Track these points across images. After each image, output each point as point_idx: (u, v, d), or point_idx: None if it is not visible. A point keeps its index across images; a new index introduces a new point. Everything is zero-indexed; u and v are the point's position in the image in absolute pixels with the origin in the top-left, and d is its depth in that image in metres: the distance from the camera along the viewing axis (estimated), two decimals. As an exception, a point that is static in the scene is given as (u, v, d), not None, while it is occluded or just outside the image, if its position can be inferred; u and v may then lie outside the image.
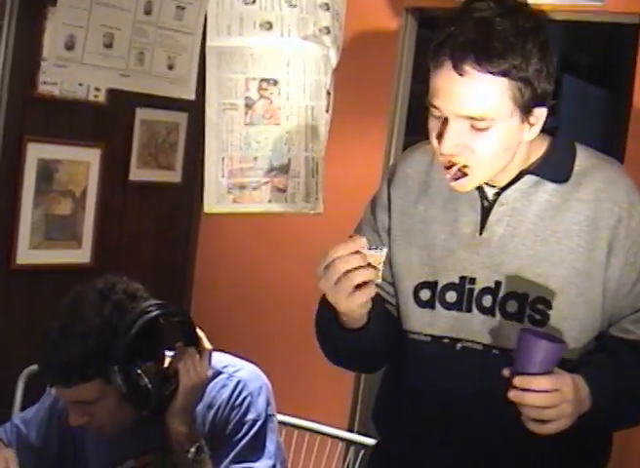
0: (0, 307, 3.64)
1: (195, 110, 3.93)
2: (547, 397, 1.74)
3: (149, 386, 2.15)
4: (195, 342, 2.26)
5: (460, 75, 1.78)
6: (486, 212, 1.97)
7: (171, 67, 3.86)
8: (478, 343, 1.96)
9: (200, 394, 2.26)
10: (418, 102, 4.04)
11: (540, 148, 1.97)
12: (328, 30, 3.29)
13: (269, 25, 3.26)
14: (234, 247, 4.35)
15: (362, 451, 2.90)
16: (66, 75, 3.56)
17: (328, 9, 3.29)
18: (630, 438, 2.26)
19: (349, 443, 3.04)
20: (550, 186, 1.95)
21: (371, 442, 2.76)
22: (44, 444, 2.45)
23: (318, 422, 3.02)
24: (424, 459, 2.05)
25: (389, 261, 2.07)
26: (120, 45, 3.66)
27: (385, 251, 1.81)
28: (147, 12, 3.72)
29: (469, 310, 1.97)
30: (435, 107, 1.84)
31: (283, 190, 3.34)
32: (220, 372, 2.31)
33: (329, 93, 3.32)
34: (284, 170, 3.33)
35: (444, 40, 1.80)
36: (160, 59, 3.82)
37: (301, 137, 3.31)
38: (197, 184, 4.06)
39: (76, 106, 3.71)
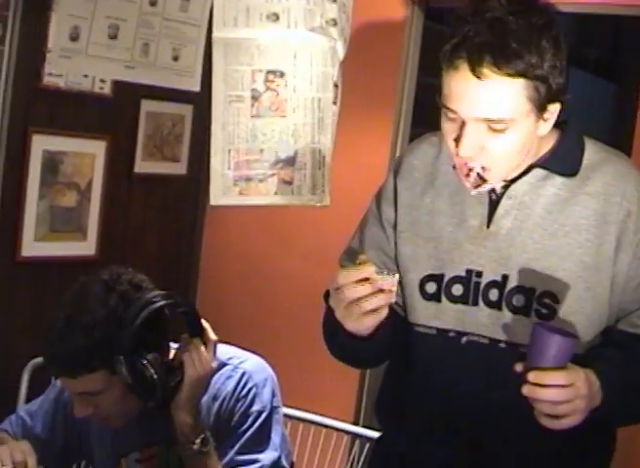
0: (5, 299, 3.64)
1: (200, 102, 3.92)
2: (562, 392, 1.72)
3: (155, 377, 2.15)
4: (200, 333, 2.25)
5: (478, 78, 1.75)
6: (494, 205, 1.96)
7: (176, 59, 3.87)
8: (484, 337, 1.95)
9: (205, 385, 2.25)
10: (424, 94, 4.06)
11: (549, 142, 1.96)
12: (335, 22, 3.27)
13: (276, 17, 3.25)
14: (240, 239, 4.35)
15: (367, 445, 2.90)
16: (71, 66, 3.56)
17: (335, 1, 3.28)
18: (638, 433, 2.24)
19: (355, 436, 3.04)
20: (559, 180, 1.94)
21: (376, 435, 2.75)
22: (49, 435, 2.45)
23: (323, 415, 3.02)
24: (424, 459, 2.05)
25: (395, 254, 2.06)
26: (125, 36, 3.66)
27: (397, 277, 1.79)
28: (153, 3, 3.72)
29: (475, 303, 1.96)
30: (451, 111, 1.82)
31: (289, 182, 3.34)
32: (225, 364, 2.31)
33: (336, 85, 3.31)
34: (290, 162, 3.32)
35: (459, 42, 1.77)
36: (165, 51, 3.82)
37: (308, 130, 3.30)
38: (202, 176, 4.06)
39: (81, 98, 3.70)
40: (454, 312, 1.98)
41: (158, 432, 2.30)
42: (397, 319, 2.04)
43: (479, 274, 1.96)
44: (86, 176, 3.78)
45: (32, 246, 3.65)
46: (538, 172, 1.94)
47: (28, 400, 2.86)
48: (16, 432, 2.45)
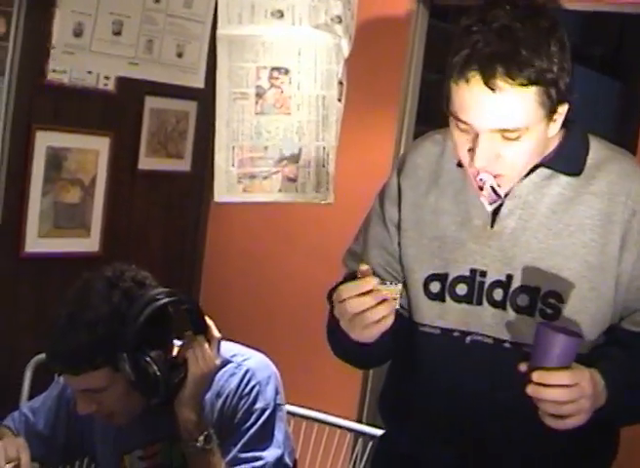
0: (9, 296, 3.64)
1: (204, 99, 3.92)
2: (566, 392, 1.72)
3: (158, 374, 2.14)
4: (204, 331, 2.25)
5: (492, 90, 1.73)
6: (498, 204, 1.96)
7: (180, 55, 3.86)
8: (489, 337, 1.95)
9: (209, 383, 2.25)
10: (429, 92, 4.06)
11: (554, 141, 1.95)
12: (340, 19, 3.27)
13: (280, 14, 3.24)
14: (243, 236, 4.34)
15: (370, 442, 2.89)
16: (74, 62, 3.56)
17: (339, -3, 3.28)
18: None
19: (358, 433, 3.04)
20: (563, 179, 1.93)
21: (379, 433, 2.75)
22: (52, 432, 2.45)
23: (327, 413, 3.02)
24: (428, 458, 2.04)
25: (400, 253, 2.06)
26: (129, 33, 3.66)
27: (400, 286, 1.81)
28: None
29: (480, 303, 1.95)
30: (463, 122, 1.81)
31: (293, 180, 3.33)
32: (228, 361, 2.31)
33: (341, 82, 3.31)
34: (294, 159, 3.32)
35: (470, 54, 1.74)
36: (169, 48, 3.82)
37: (312, 127, 3.30)
38: (206, 173, 4.06)
39: (85, 94, 3.70)
40: (458, 312, 1.97)
41: (161, 429, 2.30)
42: (400, 320, 2.03)
43: (483, 274, 1.95)
44: (90, 173, 3.78)
45: (36, 242, 3.65)
46: (542, 171, 1.93)
47: (31, 396, 2.85)
48: (18, 428, 2.45)
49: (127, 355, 2.12)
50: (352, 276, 2.11)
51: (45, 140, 3.60)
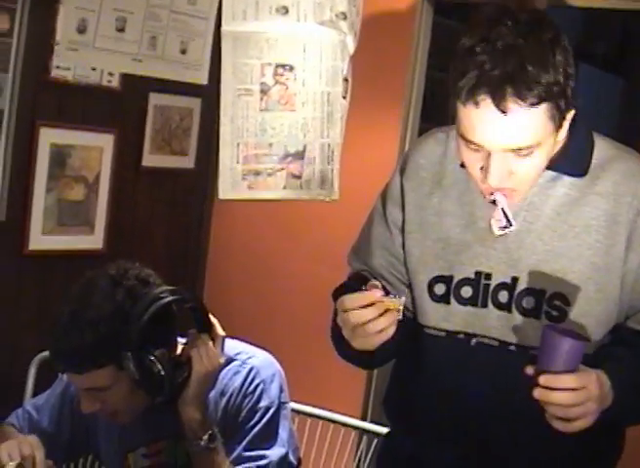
0: (13, 293, 3.64)
1: (209, 96, 3.91)
2: (573, 395, 1.71)
3: (162, 372, 2.13)
4: (208, 329, 2.24)
5: (503, 112, 1.71)
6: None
7: (184, 52, 3.86)
8: (494, 339, 1.94)
9: (213, 381, 2.24)
10: (433, 89, 4.05)
11: (559, 142, 1.93)
12: (345, 16, 3.26)
13: (285, 10, 3.23)
14: (247, 233, 4.33)
15: (375, 440, 2.89)
16: (78, 59, 3.55)
17: (344, -6, 3.27)
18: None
19: (362, 431, 3.03)
20: (568, 180, 1.91)
21: (384, 430, 2.74)
22: (56, 430, 2.44)
23: (331, 411, 3.01)
24: (433, 460, 2.04)
25: (404, 255, 2.05)
26: (133, 29, 3.65)
27: (404, 298, 1.81)
28: (161, -4, 3.71)
29: (485, 306, 1.94)
30: (474, 143, 1.79)
31: (298, 177, 3.33)
32: (232, 359, 2.30)
33: (346, 79, 3.30)
34: (299, 156, 3.31)
35: (478, 76, 1.71)
36: (173, 44, 3.81)
37: (317, 124, 3.29)
38: (210, 170, 4.05)
39: (89, 91, 3.69)
40: (463, 314, 1.96)
41: (165, 427, 2.29)
42: (405, 321, 2.03)
43: (488, 276, 1.94)
44: (94, 170, 3.77)
45: (40, 239, 3.64)
46: (547, 173, 1.91)
47: (35, 394, 2.85)
48: (22, 426, 2.45)
49: (131, 353, 2.11)
50: (357, 276, 2.11)
51: (49, 137, 3.60)
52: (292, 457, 2.34)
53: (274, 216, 4.17)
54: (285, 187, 3.33)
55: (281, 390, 2.32)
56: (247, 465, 2.22)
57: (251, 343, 2.40)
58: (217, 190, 3.39)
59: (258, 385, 2.27)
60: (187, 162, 4.19)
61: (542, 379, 1.71)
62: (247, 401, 2.25)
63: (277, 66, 3.26)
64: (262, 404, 2.26)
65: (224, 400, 2.26)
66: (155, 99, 3.96)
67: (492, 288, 1.93)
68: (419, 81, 3.94)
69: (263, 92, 3.27)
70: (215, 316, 2.28)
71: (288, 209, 3.93)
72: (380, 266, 2.08)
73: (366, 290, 1.81)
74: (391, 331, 1.79)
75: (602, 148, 1.95)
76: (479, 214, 1.95)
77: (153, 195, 4.12)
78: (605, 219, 1.89)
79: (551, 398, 1.71)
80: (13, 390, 3.28)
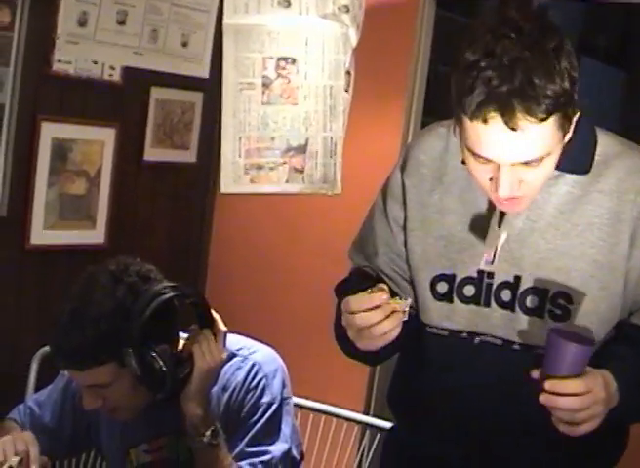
0: (14, 287, 3.63)
1: (210, 90, 3.90)
2: (579, 400, 1.69)
3: (164, 369, 2.13)
4: (210, 324, 2.23)
5: (513, 129, 1.68)
6: None
7: (185, 45, 3.84)
8: (498, 338, 1.93)
9: (215, 377, 2.24)
10: (436, 82, 4.03)
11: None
12: (347, 9, 3.24)
13: (287, 3, 3.22)
14: (250, 227, 4.33)
15: (378, 435, 2.88)
16: (79, 52, 3.53)
17: (347, -13, 3.25)
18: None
19: (365, 426, 3.02)
20: (571, 178, 1.89)
21: (386, 425, 2.74)
22: (58, 425, 2.44)
23: (334, 405, 3.01)
24: (435, 458, 2.03)
25: (406, 253, 2.04)
26: (133, 22, 3.64)
27: (410, 301, 1.82)
28: (162, -11, 3.70)
29: (488, 305, 1.93)
30: (483, 158, 1.76)
31: (300, 171, 3.32)
32: (234, 355, 2.29)
33: (348, 72, 3.29)
34: (301, 150, 3.30)
35: (486, 93, 1.67)
36: (174, 37, 3.80)
37: (319, 117, 3.28)
38: (212, 164, 4.05)
39: (91, 85, 3.68)
40: (466, 313, 1.95)
41: (167, 423, 2.29)
42: (408, 318, 2.02)
43: (491, 275, 1.93)
44: (95, 164, 3.76)
45: (41, 234, 3.63)
46: None
47: (37, 389, 2.85)
48: (24, 422, 2.45)
49: (132, 350, 2.10)
50: (359, 272, 2.10)
51: (50, 131, 3.59)
52: (295, 452, 2.34)
53: (276, 211, 4.16)
54: (287, 181, 3.32)
55: (283, 385, 2.31)
56: (250, 461, 2.22)
57: (253, 338, 2.39)
58: (218, 184, 3.38)
59: (260, 381, 2.26)
60: (189, 156, 4.18)
61: (548, 385, 1.69)
62: (249, 396, 2.25)
63: (279, 60, 3.25)
64: (265, 399, 2.25)
65: (227, 395, 2.26)
66: (157, 93, 3.95)
67: (494, 286, 1.92)
68: (421, 74, 3.93)
69: (265, 85, 3.25)
70: (216, 311, 2.27)
71: (290, 203, 3.92)
72: (381, 263, 2.07)
73: (372, 291, 1.79)
74: (396, 332, 1.79)
75: (605, 144, 1.92)
76: (480, 212, 1.94)
77: (155, 189, 4.11)
78: (608, 217, 1.87)
79: (558, 403, 1.69)
80: (15, 385, 3.27)
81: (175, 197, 4.21)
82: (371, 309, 1.77)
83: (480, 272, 1.93)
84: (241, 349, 2.31)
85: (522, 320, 1.90)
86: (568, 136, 1.80)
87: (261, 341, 2.39)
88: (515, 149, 1.72)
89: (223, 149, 3.28)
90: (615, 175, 1.89)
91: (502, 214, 1.91)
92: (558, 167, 1.87)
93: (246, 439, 2.23)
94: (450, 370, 1.97)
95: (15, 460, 2.12)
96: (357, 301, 1.78)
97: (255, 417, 2.24)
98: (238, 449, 2.22)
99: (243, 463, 2.22)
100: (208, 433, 2.16)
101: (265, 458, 2.23)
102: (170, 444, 2.32)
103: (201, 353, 2.19)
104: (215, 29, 3.81)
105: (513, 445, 1.94)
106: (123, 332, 2.10)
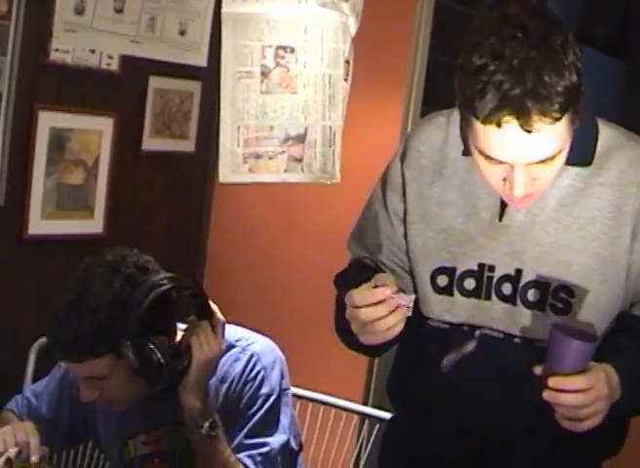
0: (12, 277, 3.62)
1: (209, 79, 3.88)
2: (582, 396, 1.69)
3: (162, 361, 2.12)
4: (208, 315, 2.22)
5: (529, 132, 1.66)
6: None
7: (182, 33, 3.83)
8: (499, 331, 1.92)
9: (213, 369, 2.23)
10: (435, 72, 4.02)
11: None
12: (346, -3, 3.24)
13: (286, -9, 3.21)
14: (248, 217, 4.31)
15: (377, 425, 2.88)
16: (76, 41, 3.51)
17: (346, -25, 3.24)
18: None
19: (364, 416, 3.02)
20: (573, 170, 1.88)
21: (386, 415, 2.73)
22: (55, 416, 2.44)
23: (333, 395, 3.00)
24: (435, 454, 2.03)
25: (407, 246, 2.02)
26: (131, 10, 3.62)
27: (414, 296, 1.81)
28: (159, -24, 3.68)
29: (488, 298, 1.92)
30: (496, 160, 1.74)
31: (299, 160, 3.31)
32: (233, 346, 2.28)
33: (347, 61, 3.27)
34: (300, 139, 3.29)
35: (500, 98, 1.64)
36: (172, 25, 3.78)
37: (319, 106, 3.27)
38: (210, 154, 4.03)
39: (89, 74, 3.66)
40: (466, 306, 1.94)
41: (165, 414, 2.28)
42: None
43: (492, 268, 1.91)
44: (93, 154, 3.75)
45: (39, 224, 3.62)
46: None
47: (35, 379, 2.84)
48: (21, 412, 2.45)
49: (130, 342, 2.09)
50: (358, 263, 2.09)
51: (48, 121, 3.57)
52: (293, 443, 2.34)
53: (275, 200, 4.15)
54: (286, 170, 3.31)
55: (282, 376, 2.30)
56: (248, 453, 2.21)
57: (251, 329, 2.38)
58: (217, 174, 3.37)
59: (259, 372, 2.25)
60: (188, 145, 4.16)
61: (551, 381, 1.69)
62: (248, 388, 2.24)
63: (278, 48, 3.23)
64: (263, 391, 2.24)
65: (225, 387, 2.25)
66: (155, 83, 3.93)
67: (495, 280, 1.91)
68: (420, 63, 3.91)
69: (264, 74, 3.24)
70: (215, 301, 2.25)
71: (289, 192, 3.91)
72: (382, 255, 2.06)
73: (376, 285, 1.78)
74: (400, 328, 1.78)
75: (607, 136, 1.91)
76: (481, 204, 1.93)
77: (153, 179, 4.09)
78: (610, 210, 1.86)
79: (561, 400, 1.69)
80: (13, 375, 3.27)
81: (173, 187, 4.20)
82: (375, 304, 1.75)
83: (481, 265, 1.92)
84: (239, 340, 2.30)
85: (523, 313, 1.89)
86: (574, 126, 1.78)
87: (260, 332, 2.38)
88: (530, 151, 1.70)
89: (222, 138, 3.27)
90: (616, 167, 1.88)
91: (503, 207, 1.90)
92: None
93: (244, 430, 2.22)
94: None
95: (13, 452, 2.11)
96: (361, 296, 1.77)
97: (253, 409, 2.23)
98: (237, 441, 2.21)
99: (241, 455, 2.21)
100: (206, 425, 2.15)
101: (264, 450, 2.22)
102: (168, 435, 2.31)
103: (199, 345, 2.18)
104: (213, 17, 3.79)
105: (514, 442, 1.93)
106: (120, 324, 2.09)
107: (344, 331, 1.89)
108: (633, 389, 1.79)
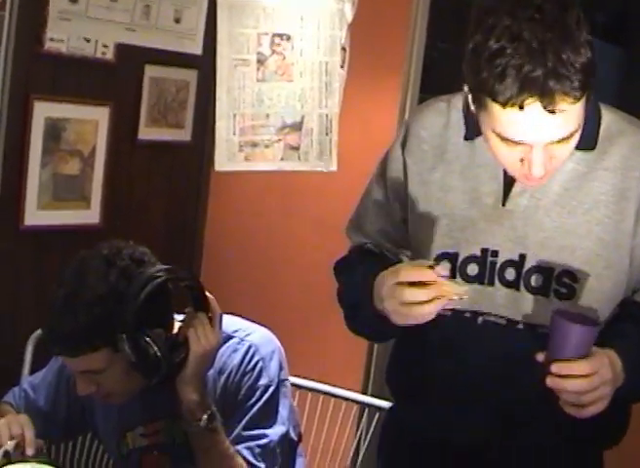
0: (8, 268, 3.61)
1: (205, 68, 3.86)
2: (586, 381, 1.68)
3: (159, 354, 2.10)
4: (205, 307, 2.20)
5: (552, 113, 1.66)
6: (509, 181, 1.89)
7: (178, 21, 3.80)
8: (502, 317, 1.90)
9: (211, 361, 2.22)
10: (433, 59, 4.00)
11: None
12: (342, -16, 3.22)
13: (282, -22, 3.19)
14: (245, 206, 4.30)
15: (377, 414, 2.87)
16: (70, 29, 3.49)
17: (342, -39, 3.23)
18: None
19: (363, 405, 3.01)
20: (577, 154, 1.86)
21: (385, 404, 2.73)
22: (52, 408, 2.43)
23: (332, 385, 2.99)
24: (437, 441, 2.01)
25: (408, 231, 2.02)
26: (126, -3, 3.60)
27: (466, 288, 1.79)
28: (154, -37, 3.66)
29: (492, 283, 1.91)
30: (515, 141, 1.73)
31: (296, 148, 3.30)
32: (231, 337, 2.27)
33: (344, 48, 3.26)
34: (297, 127, 3.28)
35: (522, 80, 1.63)
36: (167, 13, 3.76)
37: (315, 94, 3.26)
38: (207, 143, 4.01)
39: (84, 63, 3.64)
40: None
41: (162, 407, 2.27)
42: None
43: (495, 253, 1.90)
44: (89, 144, 3.73)
45: (35, 214, 3.60)
46: None
47: (32, 371, 2.83)
48: (19, 405, 2.44)
49: (126, 335, 2.07)
50: (360, 249, 2.08)
51: (43, 111, 3.55)
52: (292, 434, 2.34)
53: (272, 188, 4.14)
54: (282, 159, 3.30)
55: (280, 367, 2.29)
56: (247, 444, 2.20)
57: (249, 319, 2.37)
58: (213, 162, 3.35)
59: (257, 363, 2.24)
60: (184, 135, 4.14)
61: (554, 367, 1.68)
62: (246, 379, 2.23)
63: (274, 36, 3.22)
64: (262, 382, 2.23)
65: (223, 378, 2.24)
66: (151, 72, 3.91)
67: (498, 265, 1.90)
68: (418, 50, 3.89)
69: (260, 62, 3.23)
70: (212, 291, 2.24)
71: (285, 180, 3.89)
72: (378, 236, 2.06)
73: (431, 267, 1.76)
74: (431, 316, 1.77)
75: (609, 120, 1.90)
76: (483, 189, 1.91)
77: (150, 168, 4.08)
78: (613, 195, 1.85)
79: (564, 386, 1.69)
80: (10, 368, 3.25)
81: (170, 176, 4.18)
82: (419, 285, 1.74)
83: (484, 250, 1.90)
84: (237, 331, 2.29)
85: (527, 299, 1.88)
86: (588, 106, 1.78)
87: (258, 322, 2.37)
88: (552, 130, 1.70)
89: (218, 126, 3.26)
90: (619, 151, 1.87)
91: (506, 192, 1.89)
92: None
93: (243, 422, 2.21)
94: (452, 350, 1.95)
95: (11, 444, 2.11)
96: (408, 272, 1.76)
97: (252, 400, 2.22)
98: (235, 433, 2.20)
99: (240, 447, 2.20)
100: (205, 417, 2.13)
101: (263, 442, 2.21)
102: (166, 427, 2.30)
103: (196, 337, 2.16)
104: (208, 4, 3.77)
105: (516, 429, 1.92)
106: (117, 317, 2.07)
107: (354, 317, 1.88)
108: (637, 374, 1.78)
